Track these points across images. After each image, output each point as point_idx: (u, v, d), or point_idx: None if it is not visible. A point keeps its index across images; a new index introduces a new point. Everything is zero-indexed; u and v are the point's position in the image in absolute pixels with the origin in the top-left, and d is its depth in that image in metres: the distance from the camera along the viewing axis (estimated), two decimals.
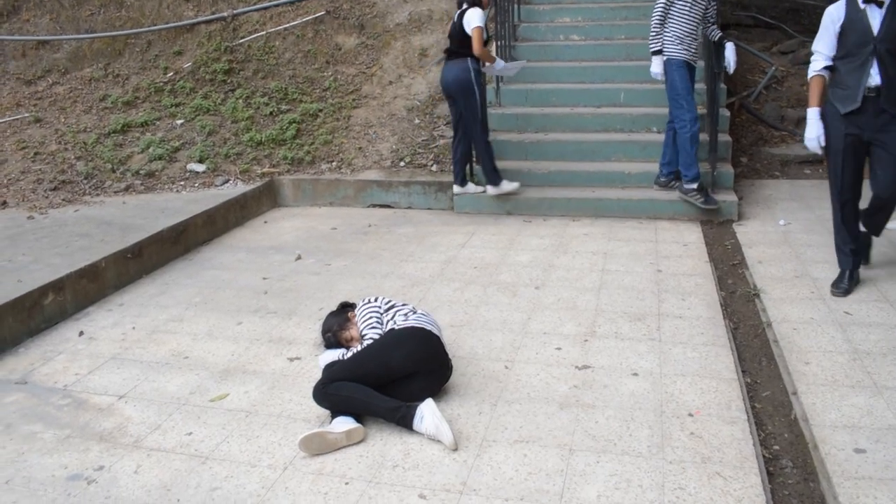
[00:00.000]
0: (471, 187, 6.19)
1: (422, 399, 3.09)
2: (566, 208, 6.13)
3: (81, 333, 4.21)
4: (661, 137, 6.49)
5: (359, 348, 3.32)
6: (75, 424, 3.25)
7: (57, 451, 3.05)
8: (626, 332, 3.91)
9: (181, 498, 2.72)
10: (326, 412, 3.19)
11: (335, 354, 3.44)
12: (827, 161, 4.05)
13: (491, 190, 6.08)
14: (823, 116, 3.94)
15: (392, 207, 6.63)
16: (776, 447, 2.90)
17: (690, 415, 3.10)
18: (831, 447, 2.79)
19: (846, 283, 4.15)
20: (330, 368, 3.25)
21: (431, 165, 6.77)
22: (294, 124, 7.32)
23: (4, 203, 6.20)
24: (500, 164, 6.58)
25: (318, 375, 3.39)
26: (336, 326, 3.58)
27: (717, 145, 6.05)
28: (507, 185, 6.05)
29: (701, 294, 4.40)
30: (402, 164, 6.85)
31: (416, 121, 7.20)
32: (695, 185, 5.64)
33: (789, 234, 5.26)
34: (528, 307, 4.28)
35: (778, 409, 3.14)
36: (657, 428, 3.01)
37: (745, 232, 5.37)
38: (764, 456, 2.82)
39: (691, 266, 4.87)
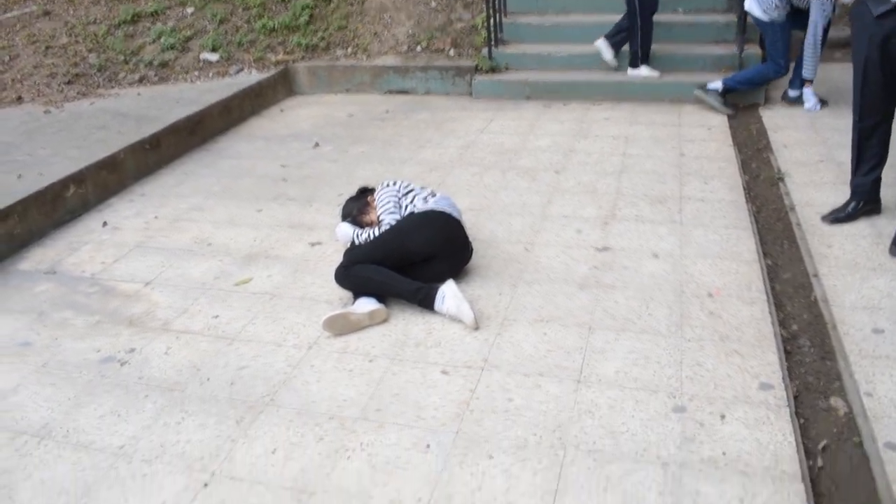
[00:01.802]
0: (644, 70, 5.86)
1: (443, 280, 3.10)
2: (587, 92, 5.96)
3: (105, 224, 4.25)
4: (687, 18, 6.20)
5: (376, 232, 3.34)
6: (105, 311, 3.31)
7: (89, 336, 3.13)
8: (647, 215, 3.87)
9: (211, 376, 2.80)
10: (349, 294, 3.23)
11: (349, 229, 3.47)
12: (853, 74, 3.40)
13: (630, 72, 5.86)
14: (852, 18, 3.45)
15: (409, 93, 6.48)
16: (795, 327, 2.90)
17: (710, 295, 3.10)
18: (850, 327, 2.78)
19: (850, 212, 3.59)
20: (351, 251, 3.27)
21: (449, 50, 6.56)
22: (307, 10, 7.07)
23: (20, 98, 6.13)
24: (520, 47, 6.36)
25: (339, 259, 3.42)
26: (356, 211, 3.58)
27: (744, 26, 5.78)
28: (645, 70, 5.82)
29: (724, 178, 4.31)
30: (418, 48, 6.64)
31: (433, 3, 6.92)
32: (722, 91, 5.38)
33: (816, 119, 5.10)
34: (548, 191, 4.25)
35: (798, 291, 3.13)
36: (676, 307, 3.02)
37: (771, 116, 5.22)
38: (782, 335, 2.83)
39: (715, 150, 4.76)
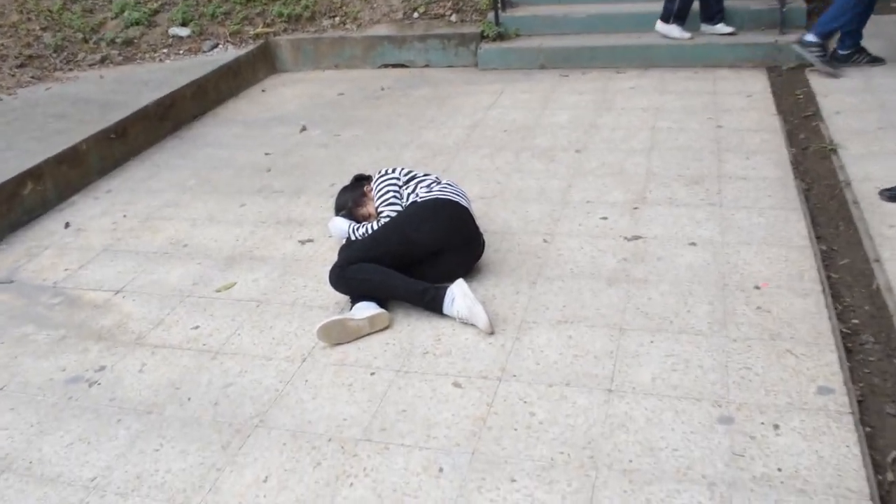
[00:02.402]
0: (675, 30, 5.78)
1: (452, 279, 3.09)
2: (609, 58, 5.92)
3: (67, 225, 4.24)
4: None
5: (374, 226, 3.34)
6: (70, 324, 3.31)
7: (53, 354, 3.12)
8: (682, 198, 3.84)
9: (192, 396, 2.78)
10: (345, 298, 3.22)
11: (344, 224, 3.48)
12: None
13: (659, 26, 5.82)
14: None
15: (407, 67, 6.47)
16: (855, 321, 2.86)
17: (757, 287, 3.07)
18: None
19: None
20: (346, 249, 3.27)
21: (450, 15, 6.52)
22: None
23: None
24: (531, 10, 6.32)
25: (333, 259, 3.41)
26: (351, 203, 3.58)
27: None
28: (676, 31, 5.76)
29: (768, 151, 4.28)
30: (415, 15, 6.61)
31: None
32: (817, 41, 5.29)
33: (872, 80, 5.05)
34: (568, 173, 4.23)
35: (857, 279, 3.09)
36: (719, 303, 2.99)
37: (820, 79, 5.17)
38: (841, 331, 2.79)
39: (756, 120, 4.73)
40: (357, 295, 3.13)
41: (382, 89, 6.00)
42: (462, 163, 4.51)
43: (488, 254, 3.45)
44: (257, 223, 4.04)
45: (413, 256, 3.15)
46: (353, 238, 3.43)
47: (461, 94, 5.68)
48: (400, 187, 3.44)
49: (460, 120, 5.18)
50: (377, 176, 3.53)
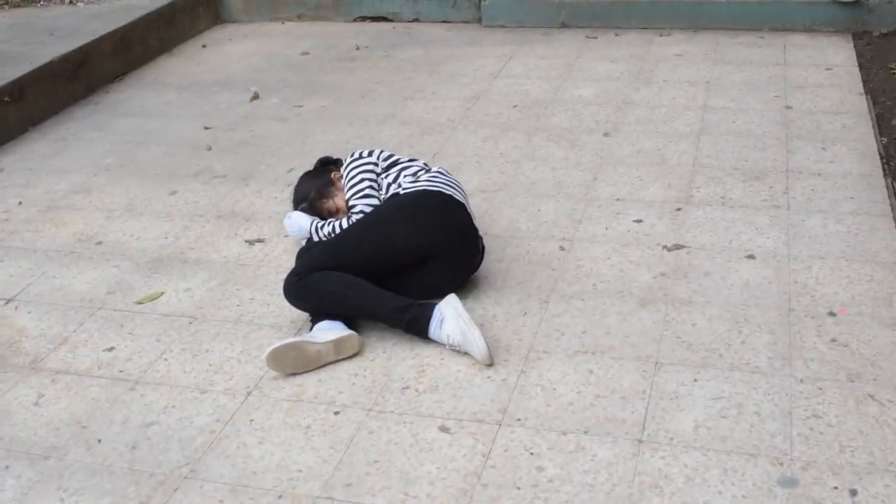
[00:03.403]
0: None
1: (441, 295, 3.10)
2: (649, 16, 5.94)
3: None
4: None
5: (343, 224, 3.35)
6: None
7: None
8: (738, 197, 3.86)
9: (103, 437, 2.78)
10: (304, 315, 3.23)
11: (305, 220, 3.49)
12: None
13: None
14: None
15: (390, 20, 6.49)
16: None
17: (832, 314, 3.09)
18: None
19: None
20: (307, 253, 3.27)
21: None
22: None
23: None
24: None
25: (289, 265, 3.41)
26: (314, 194, 3.58)
27: None
28: None
29: (851, 140, 4.31)
30: None
31: None
32: None
33: None
34: (594, 162, 4.25)
35: None
36: (782, 333, 3.01)
37: None
38: None
39: (837, 100, 4.76)
40: (319, 312, 3.13)
41: (358, 49, 6.01)
42: (458, 146, 4.51)
43: (489, 263, 3.45)
44: (193, 217, 4.05)
45: (392, 264, 3.17)
46: (315, 239, 3.43)
47: (459, 58, 5.69)
48: (378, 175, 3.45)
49: (457, 91, 5.19)
50: (349, 160, 3.53)
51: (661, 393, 2.78)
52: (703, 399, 2.74)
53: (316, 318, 3.13)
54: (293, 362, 2.97)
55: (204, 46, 6.31)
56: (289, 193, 3.96)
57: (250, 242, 3.81)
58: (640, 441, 2.60)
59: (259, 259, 3.68)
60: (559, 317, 3.17)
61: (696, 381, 2.82)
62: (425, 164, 3.55)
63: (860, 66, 5.17)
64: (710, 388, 2.78)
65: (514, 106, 4.95)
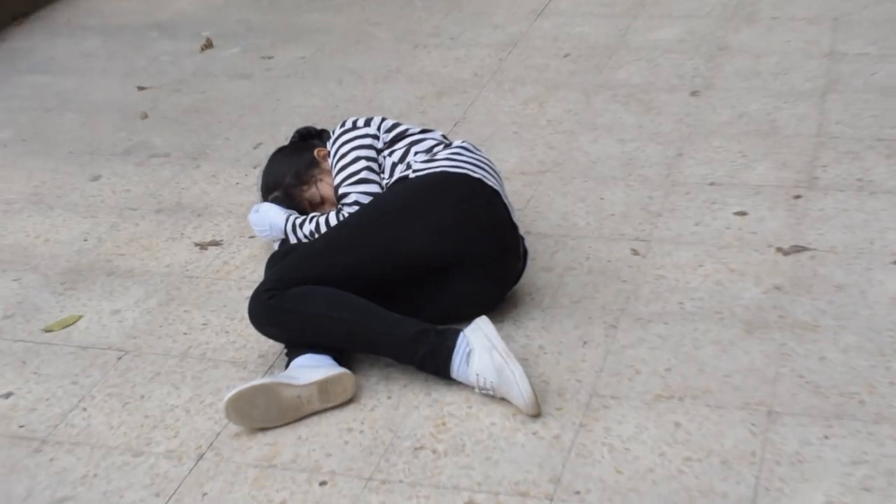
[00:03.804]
0: None
1: (467, 318, 3.10)
2: None
3: None
4: None
5: (331, 219, 3.35)
6: None
7: None
8: (882, 179, 3.84)
9: None
10: (278, 346, 3.24)
11: (279, 215, 3.50)
12: None
13: None
14: None
15: None
16: None
17: None
18: None
19: None
20: (282, 261, 3.26)
21: None
22: None
23: None
24: None
25: (255, 276, 3.41)
26: (291, 178, 3.59)
27: None
28: None
29: None
30: None
31: None
32: None
33: None
34: (678, 132, 4.24)
35: None
36: None
37: None
38: None
39: None
40: (298, 342, 3.13)
41: None
42: (489, 111, 4.52)
43: (533, 273, 3.45)
44: (123, 211, 4.06)
45: (400, 277, 3.18)
46: (293, 241, 3.44)
47: None
48: (378, 152, 3.46)
49: (486, 35, 5.20)
50: (339, 131, 3.54)
51: (778, 455, 2.72)
52: (837, 464, 2.68)
53: (294, 352, 3.12)
54: (263, 412, 2.94)
55: None
56: (256, 178, 3.95)
57: (202, 246, 3.81)
58: None
59: (215, 269, 3.67)
60: (633, 348, 3.13)
61: (826, 438, 2.76)
62: (444, 136, 3.53)
63: None
64: (848, 449, 2.72)
65: (566, 55, 4.93)
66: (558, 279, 3.45)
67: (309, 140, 3.69)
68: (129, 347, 3.33)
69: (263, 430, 2.94)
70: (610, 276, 3.45)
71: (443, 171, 3.24)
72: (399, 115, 4.44)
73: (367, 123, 3.52)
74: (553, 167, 4.07)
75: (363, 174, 3.39)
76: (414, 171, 3.29)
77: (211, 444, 2.93)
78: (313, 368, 3.02)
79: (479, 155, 3.37)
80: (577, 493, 2.66)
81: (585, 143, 4.21)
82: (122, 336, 3.38)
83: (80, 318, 3.48)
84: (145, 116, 4.73)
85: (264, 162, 3.75)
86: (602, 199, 3.84)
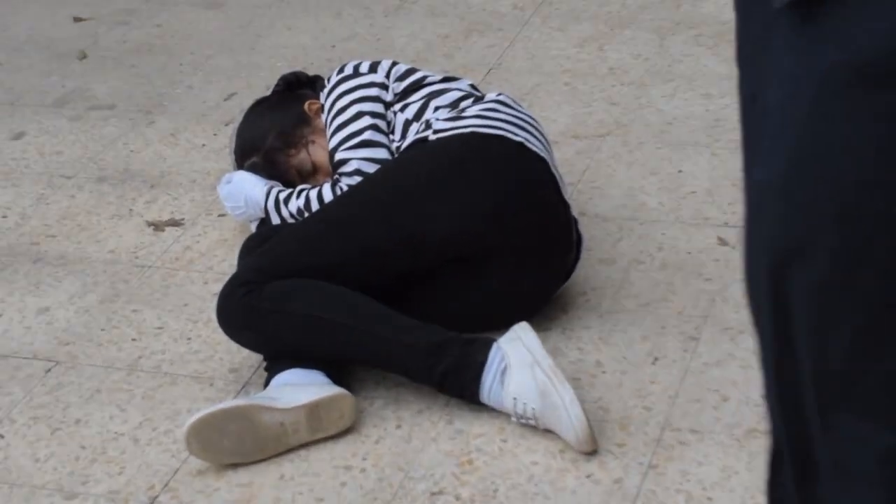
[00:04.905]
0: None
1: (503, 324, 3.11)
2: None
3: None
4: None
5: (325, 193, 3.36)
6: None
7: None
8: None
9: None
10: (255, 357, 3.24)
11: (257, 187, 3.51)
12: None
13: None
14: None
15: None
16: None
17: None
18: None
19: None
20: (261, 247, 3.27)
21: None
22: None
23: None
24: None
25: (225, 266, 3.42)
26: (274, 139, 3.59)
27: None
28: None
29: None
30: None
31: None
32: None
33: None
34: None
35: None
36: None
37: None
38: None
39: None
40: (281, 352, 3.14)
41: None
42: (532, 54, 4.53)
43: (587, 267, 3.46)
44: (53, 178, 4.08)
45: (416, 268, 3.19)
46: (275, 221, 3.44)
47: None
48: (388, 106, 3.47)
49: None
50: (336, 78, 3.56)
51: None
52: None
53: (276, 365, 3.13)
54: (235, 443, 2.94)
55: None
56: (227, 139, 3.94)
57: (157, 226, 3.81)
58: None
59: (173, 256, 3.69)
60: (719, 367, 3.13)
61: None
62: (472, 86, 3.53)
63: None
64: None
65: None
66: (622, 275, 3.45)
67: (297, 90, 3.70)
68: (61, 357, 3.32)
69: (235, 466, 2.94)
70: (690, 272, 3.44)
71: (473, 132, 3.23)
72: (415, 59, 4.41)
73: (373, 69, 3.53)
74: (616, 129, 4.06)
75: (367, 135, 3.39)
76: (434, 132, 3.28)
77: (166, 483, 2.93)
78: (301, 388, 3.02)
79: (520, 111, 3.37)
80: None
81: (658, 99, 4.20)
82: (52, 342, 3.38)
83: None
84: (83, 56, 4.73)
85: (239, 117, 3.74)
86: (680, 171, 3.83)
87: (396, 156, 3.37)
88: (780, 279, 1.82)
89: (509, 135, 3.24)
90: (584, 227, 3.46)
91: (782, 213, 1.82)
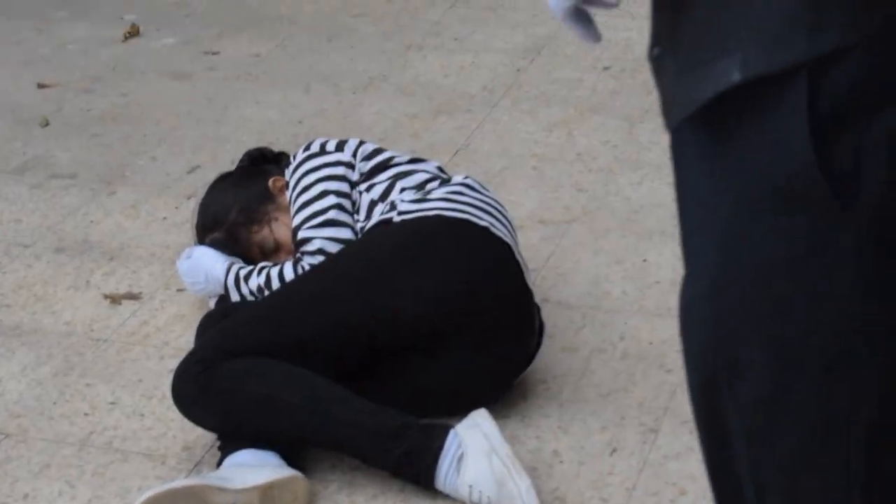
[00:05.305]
0: None
1: (461, 410, 3.10)
2: None
3: None
4: None
5: (287, 272, 3.35)
6: None
7: None
8: None
9: None
10: (209, 436, 3.22)
11: (218, 264, 3.49)
12: None
13: None
14: None
15: None
16: None
17: None
18: None
19: None
20: (220, 324, 3.26)
21: None
22: None
23: None
24: None
25: (183, 342, 3.42)
26: (237, 214, 3.59)
27: None
28: None
29: None
30: None
31: None
32: None
33: None
34: None
35: None
36: None
37: None
38: None
39: None
40: (237, 432, 3.13)
41: None
42: (500, 137, 4.54)
43: (549, 354, 3.45)
44: (10, 247, 4.06)
45: (373, 351, 3.18)
46: (235, 298, 3.44)
47: None
48: (353, 185, 3.47)
49: (501, 36, 5.22)
50: (302, 155, 3.56)
51: None
52: None
53: (230, 445, 3.11)
54: None
55: None
56: (189, 213, 3.94)
57: (114, 299, 3.80)
58: None
59: (129, 330, 3.67)
60: (678, 459, 3.12)
61: None
62: (440, 168, 3.54)
63: None
64: None
65: (606, 68, 4.95)
66: (583, 364, 3.45)
67: (262, 166, 3.70)
68: (11, 429, 3.30)
69: None
70: (651, 363, 3.44)
71: (438, 216, 3.24)
72: (383, 138, 4.40)
73: (340, 148, 3.53)
74: (583, 216, 4.07)
75: (331, 214, 3.39)
76: (400, 214, 3.28)
77: None
78: (254, 469, 3.01)
79: (486, 195, 3.38)
80: None
81: (626, 186, 4.21)
82: (3, 414, 3.36)
83: None
84: (46, 123, 4.72)
85: (202, 191, 3.73)
86: (645, 260, 3.84)
87: (360, 235, 3.36)
88: (711, 397, 1.86)
89: (474, 219, 3.25)
90: (547, 314, 3.46)
91: (710, 334, 1.88)
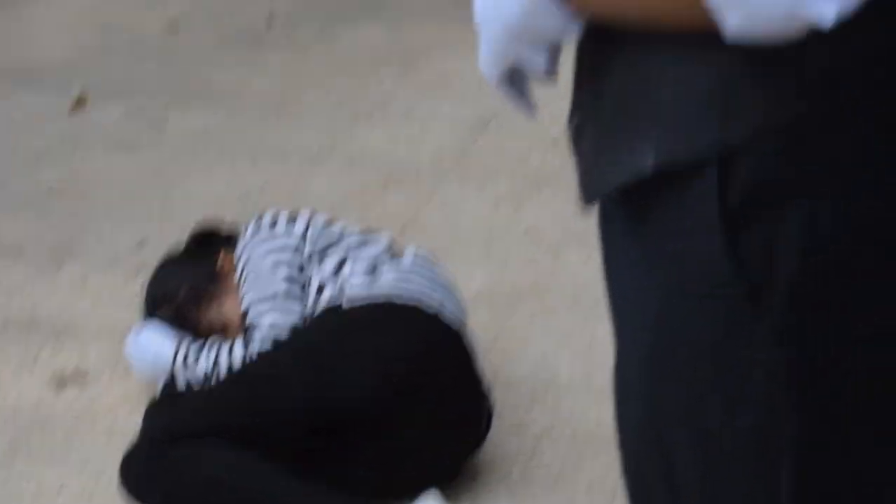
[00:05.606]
0: None
1: (412, 492, 3.11)
2: None
3: None
4: None
5: (236, 353, 3.33)
6: None
7: None
8: None
9: None
10: None
11: (166, 344, 3.48)
12: None
13: None
14: None
15: None
16: None
17: None
18: None
19: None
20: (169, 406, 3.28)
21: None
22: None
23: None
24: None
25: (129, 424, 3.39)
26: (185, 294, 3.59)
27: None
28: None
29: None
30: None
31: None
32: None
33: None
34: None
35: None
36: None
37: None
38: None
39: None
40: None
41: (271, 20, 6.07)
42: (449, 211, 4.55)
43: (499, 436, 3.44)
44: None
45: (323, 435, 3.17)
46: (183, 381, 3.42)
47: (454, 45, 5.63)
48: (301, 267, 3.48)
49: (451, 107, 5.24)
50: (249, 232, 3.57)
51: None
52: None
53: None
54: None
55: None
56: (138, 288, 3.93)
57: (59, 381, 3.79)
58: None
59: (76, 412, 3.66)
60: None
61: None
62: (389, 246, 3.55)
63: None
64: None
65: (555, 139, 4.94)
66: (533, 444, 3.45)
67: (211, 244, 3.70)
68: None
69: None
70: (601, 444, 3.36)
71: (387, 303, 3.26)
72: (331, 210, 4.37)
73: (291, 222, 3.54)
74: (531, 294, 4.07)
75: (281, 293, 3.39)
76: (349, 298, 3.30)
77: None
78: None
79: (436, 276, 3.41)
80: None
81: (575, 263, 4.20)
82: None
83: None
84: None
85: (151, 268, 3.75)
86: (594, 338, 3.82)
87: (311, 320, 3.36)
88: (641, 481, 1.89)
89: (423, 305, 3.26)
90: (496, 393, 3.45)
91: (640, 411, 1.90)
